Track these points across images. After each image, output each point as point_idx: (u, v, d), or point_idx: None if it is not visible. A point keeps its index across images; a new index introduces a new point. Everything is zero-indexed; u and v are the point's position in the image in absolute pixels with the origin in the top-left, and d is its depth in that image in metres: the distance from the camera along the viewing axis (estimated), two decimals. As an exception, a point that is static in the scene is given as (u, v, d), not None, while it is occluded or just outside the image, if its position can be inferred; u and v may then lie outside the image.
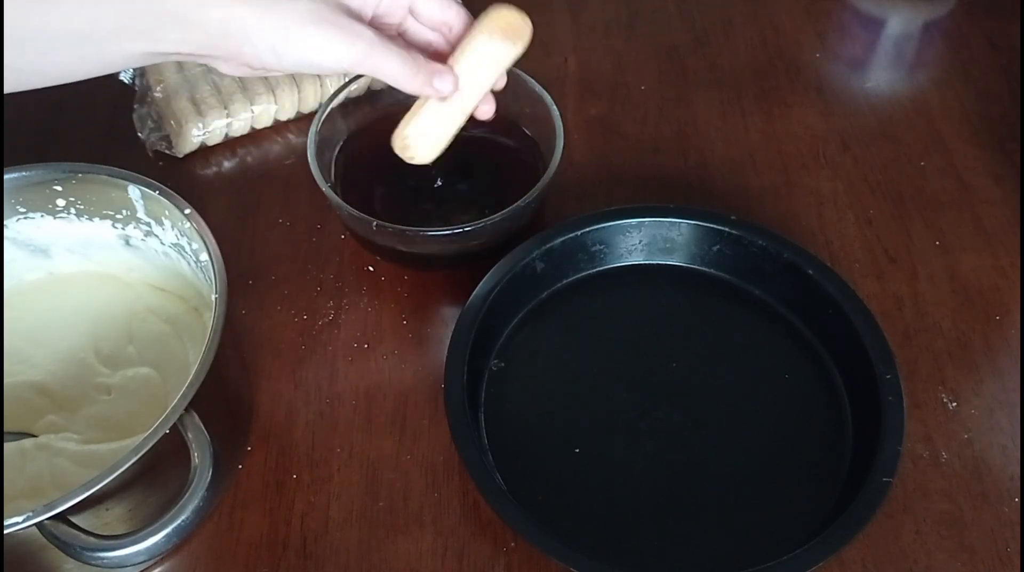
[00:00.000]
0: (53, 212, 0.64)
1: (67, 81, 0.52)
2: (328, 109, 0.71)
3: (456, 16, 0.61)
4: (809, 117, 0.80)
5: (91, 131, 0.79)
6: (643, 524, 0.58)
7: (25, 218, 0.64)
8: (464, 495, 0.60)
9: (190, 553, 0.58)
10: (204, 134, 0.76)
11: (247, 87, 0.77)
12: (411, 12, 0.60)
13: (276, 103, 0.77)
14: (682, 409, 0.63)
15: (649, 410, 0.63)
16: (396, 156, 0.62)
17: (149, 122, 0.77)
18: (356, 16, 0.56)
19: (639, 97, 0.82)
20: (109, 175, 0.63)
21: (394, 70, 0.56)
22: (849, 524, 0.55)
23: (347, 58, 0.55)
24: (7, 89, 0.51)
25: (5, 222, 0.64)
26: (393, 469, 0.61)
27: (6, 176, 0.63)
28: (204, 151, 0.78)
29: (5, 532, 0.47)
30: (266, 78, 0.77)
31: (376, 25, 0.59)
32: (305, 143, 0.69)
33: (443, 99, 0.59)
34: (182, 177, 0.76)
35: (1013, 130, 0.78)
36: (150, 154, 0.77)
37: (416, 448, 0.62)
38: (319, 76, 0.78)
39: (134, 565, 0.55)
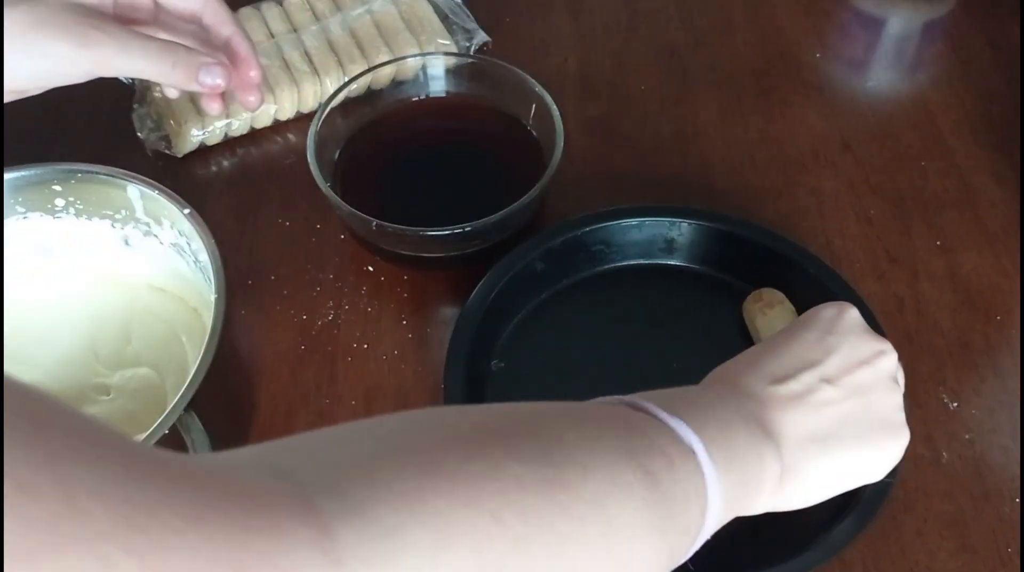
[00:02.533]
0: (52, 212, 0.64)
1: None
2: (328, 109, 0.70)
3: (203, 6, 0.56)
4: (809, 117, 0.80)
5: (91, 131, 0.79)
6: (643, 524, 0.58)
7: (25, 218, 0.64)
8: (464, 495, 0.60)
9: (190, 553, 0.58)
10: (203, 134, 0.76)
11: (247, 87, 0.77)
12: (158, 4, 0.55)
13: (275, 103, 0.77)
14: (682, 409, 0.63)
15: (649, 410, 0.63)
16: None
17: (148, 122, 0.77)
18: (96, 14, 0.51)
19: (639, 97, 0.82)
20: (108, 175, 0.63)
21: (141, 66, 0.52)
22: (850, 524, 0.55)
23: (83, 61, 0.50)
24: None
25: (5, 222, 0.64)
26: (393, 469, 0.61)
27: (6, 176, 0.63)
28: (204, 151, 0.78)
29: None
30: (265, 77, 0.77)
31: (123, 20, 0.54)
32: (304, 143, 0.69)
33: (214, 93, 0.54)
34: (181, 177, 0.76)
35: (1013, 130, 0.78)
36: (149, 154, 0.76)
37: (416, 448, 0.62)
38: (318, 75, 0.78)
39: (133, 565, 0.55)
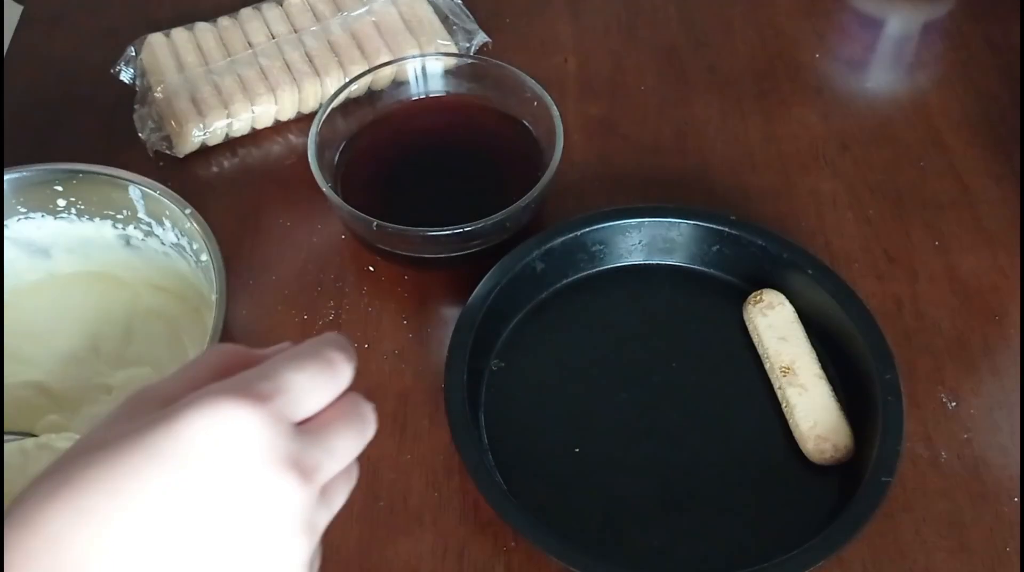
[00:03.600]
0: (54, 212, 0.64)
1: None
2: (328, 109, 0.71)
3: None
4: (809, 117, 0.80)
5: (92, 131, 0.79)
6: (643, 524, 0.59)
7: (26, 218, 0.64)
8: (464, 495, 0.60)
9: (190, 553, 0.58)
10: (204, 134, 0.76)
11: (248, 87, 0.77)
12: None
13: (276, 103, 0.77)
14: (682, 409, 0.63)
15: (649, 410, 0.63)
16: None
17: (150, 122, 0.77)
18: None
19: (639, 97, 0.82)
20: (110, 175, 0.63)
21: None
22: (849, 524, 0.55)
23: None
24: None
25: (5, 222, 0.64)
26: (393, 469, 0.61)
27: (6, 176, 0.63)
28: (205, 151, 0.78)
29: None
30: (266, 78, 0.77)
31: None
32: (305, 143, 0.69)
33: None
34: (182, 177, 0.76)
35: (1013, 130, 0.78)
36: (150, 154, 0.77)
37: (416, 448, 0.62)
38: (319, 76, 0.78)
39: (135, 565, 0.55)
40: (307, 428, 0.36)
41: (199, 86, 0.77)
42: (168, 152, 0.77)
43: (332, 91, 0.73)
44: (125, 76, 0.80)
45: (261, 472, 0.34)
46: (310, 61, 0.79)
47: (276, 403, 0.35)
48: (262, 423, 0.34)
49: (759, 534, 0.58)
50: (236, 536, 0.34)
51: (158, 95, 0.77)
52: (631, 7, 0.89)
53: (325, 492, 0.36)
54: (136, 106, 0.78)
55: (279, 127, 0.79)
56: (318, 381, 0.37)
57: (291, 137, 0.79)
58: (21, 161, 0.63)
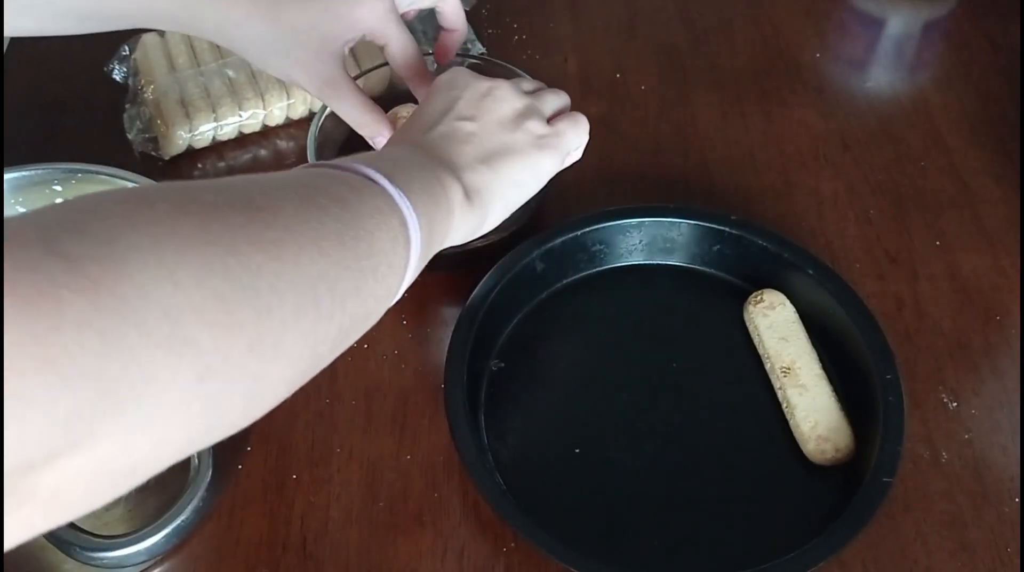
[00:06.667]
0: (53, 212, 0.64)
1: None
2: (327, 112, 0.70)
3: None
4: (809, 117, 0.80)
5: (90, 131, 0.79)
6: (643, 524, 0.58)
7: (25, 218, 0.64)
8: (464, 495, 0.60)
9: (190, 553, 0.58)
10: (191, 137, 0.76)
11: (236, 91, 0.77)
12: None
13: (265, 109, 0.77)
14: (682, 409, 0.63)
15: (649, 410, 0.63)
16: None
17: (138, 123, 0.77)
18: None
19: (639, 97, 0.82)
20: (108, 175, 0.63)
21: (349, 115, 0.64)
22: (849, 524, 0.55)
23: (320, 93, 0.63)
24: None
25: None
26: (393, 469, 0.61)
27: (6, 176, 0.63)
28: (191, 154, 0.77)
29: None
30: (256, 82, 0.77)
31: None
32: (295, 148, 0.69)
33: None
34: (170, 179, 0.75)
35: (1013, 130, 0.78)
36: (137, 156, 0.76)
37: (416, 448, 0.62)
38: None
39: (134, 565, 0.55)
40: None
41: (188, 87, 0.77)
42: (153, 154, 0.76)
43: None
44: (118, 75, 0.80)
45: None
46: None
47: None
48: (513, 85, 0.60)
49: (759, 534, 0.58)
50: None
51: (148, 95, 0.77)
52: (631, 7, 0.89)
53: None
54: (127, 106, 0.78)
55: (268, 132, 0.79)
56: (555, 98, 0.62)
57: (279, 142, 0.79)
58: (21, 161, 0.63)
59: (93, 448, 0.32)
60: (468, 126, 0.56)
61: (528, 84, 0.63)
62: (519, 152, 0.57)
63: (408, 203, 0.47)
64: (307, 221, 0.41)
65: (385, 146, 0.59)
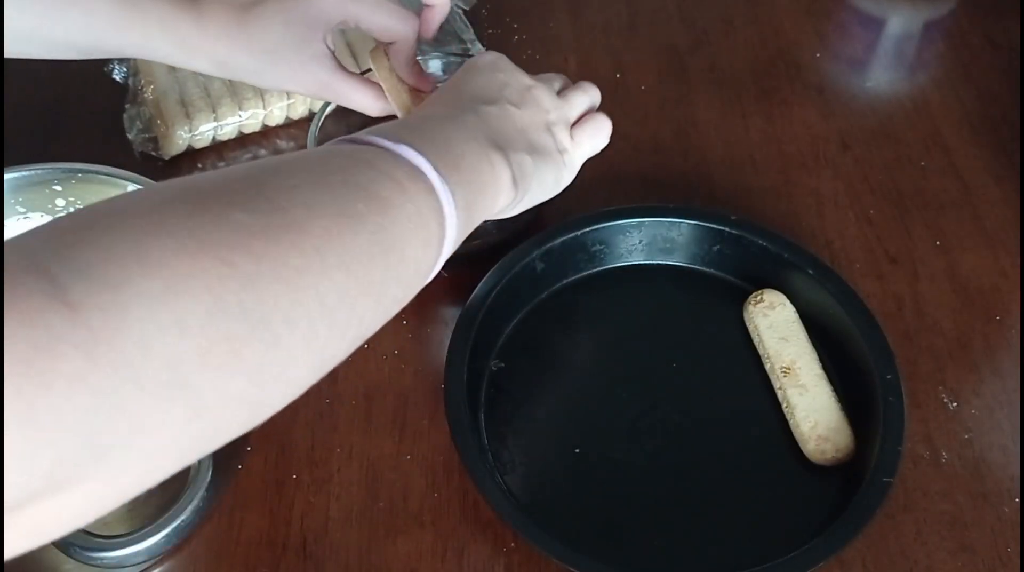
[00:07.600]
0: (53, 212, 0.64)
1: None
2: (326, 112, 0.70)
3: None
4: (809, 117, 0.80)
5: (90, 131, 0.79)
6: (643, 524, 0.58)
7: (25, 218, 0.64)
8: (464, 495, 0.60)
9: (190, 553, 0.58)
10: (191, 137, 0.76)
11: (236, 92, 0.77)
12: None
13: (265, 109, 0.77)
14: (682, 409, 0.63)
15: (649, 410, 0.63)
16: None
17: (138, 123, 0.77)
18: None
19: (639, 97, 0.82)
20: (109, 175, 0.63)
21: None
22: (849, 524, 0.55)
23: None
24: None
25: (5, 222, 0.64)
26: (393, 469, 0.61)
27: (6, 176, 0.63)
28: (191, 154, 0.77)
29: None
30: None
31: None
32: (296, 148, 0.69)
33: None
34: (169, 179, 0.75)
35: (1013, 130, 0.78)
36: (137, 156, 0.76)
37: (416, 448, 0.62)
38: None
39: (134, 565, 0.55)
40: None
41: (188, 87, 0.77)
42: (153, 154, 0.76)
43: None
44: (118, 75, 0.80)
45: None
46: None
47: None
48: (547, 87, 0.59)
49: (759, 534, 0.58)
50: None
51: (148, 95, 0.77)
52: (631, 6, 0.89)
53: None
54: (127, 106, 0.78)
55: (268, 132, 0.79)
56: (584, 98, 0.62)
57: (279, 142, 0.79)
58: (20, 161, 0.63)
59: (78, 488, 0.31)
60: (518, 114, 0.55)
61: (558, 82, 0.62)
62: (550, 155, 0.57)
63: (452, 203, 0.44)
64: (341, 235, 0.38)
65: (431, 111, 0.55)
